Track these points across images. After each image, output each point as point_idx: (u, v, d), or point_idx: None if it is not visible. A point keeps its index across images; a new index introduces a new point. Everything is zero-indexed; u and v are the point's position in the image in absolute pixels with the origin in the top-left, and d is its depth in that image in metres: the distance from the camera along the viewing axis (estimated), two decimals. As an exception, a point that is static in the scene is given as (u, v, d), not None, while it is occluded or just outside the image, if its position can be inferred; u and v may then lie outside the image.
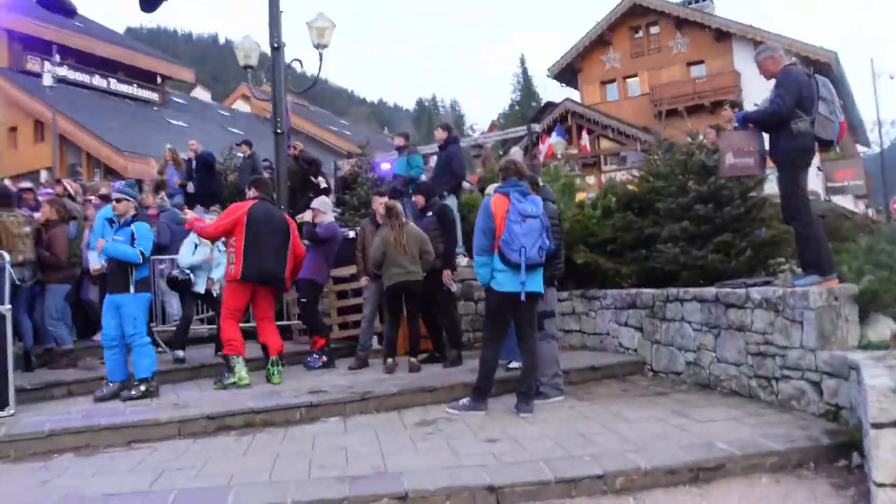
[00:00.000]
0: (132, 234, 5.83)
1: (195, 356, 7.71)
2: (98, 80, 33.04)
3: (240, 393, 6.12)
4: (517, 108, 65.51)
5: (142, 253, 5.85)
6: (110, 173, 24.91)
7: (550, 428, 4.86)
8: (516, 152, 13.47)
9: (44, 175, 26.37)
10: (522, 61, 74.62)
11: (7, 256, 5.90)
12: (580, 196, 9.73)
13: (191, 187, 11.50)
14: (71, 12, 9.05)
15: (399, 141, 10.22)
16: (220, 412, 5.31)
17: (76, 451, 4.83)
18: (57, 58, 23.55)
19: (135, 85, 35.10)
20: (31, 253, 6.67)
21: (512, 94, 71.69)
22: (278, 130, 9.66)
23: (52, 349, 7.13)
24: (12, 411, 5.41)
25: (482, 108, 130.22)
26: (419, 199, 7.46)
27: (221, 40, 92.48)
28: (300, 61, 12.24)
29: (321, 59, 12.14)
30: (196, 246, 7.38)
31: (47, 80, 21.19)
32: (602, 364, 6.82)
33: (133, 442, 4.99)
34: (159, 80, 37.12)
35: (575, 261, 7.89)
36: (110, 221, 6.14)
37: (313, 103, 66.07)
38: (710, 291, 5.99)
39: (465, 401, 5.43)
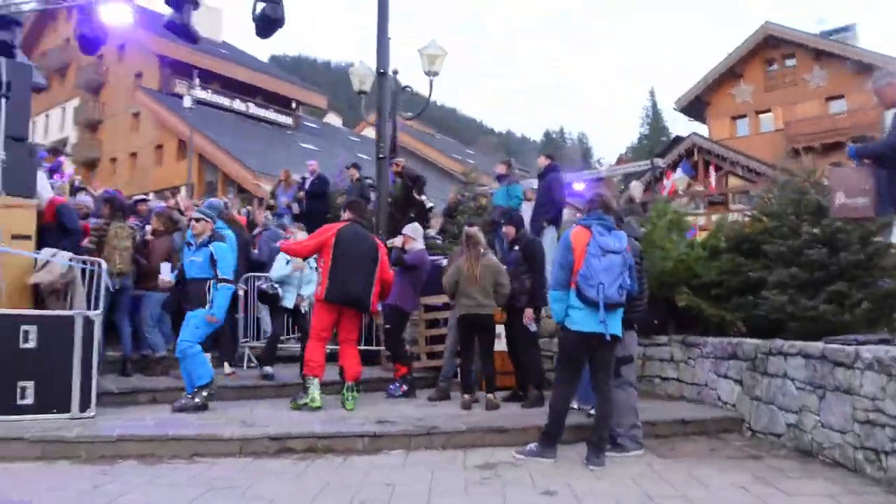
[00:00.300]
0: (211, 255, 5.97)
1: (284, 374, 7.80)
2: (238, 104, 35.36)
3: (311, 415, 6.10)
4: (645, 141, 63.83)
5: (225, 280, 6.00)
6: (242, 192, 26.42)
7: (618, 485, 4.44)
8: (636, 187, 12.93)
9: (182, 192, 28.50)
10: (652, 94, 72.69)
11: (104, 265, 6.22)
12: (701, 235, 9.12)
13: (295, 208, 11.85)
14: (194, 39, 9.60)
15: (500, 168, 10.04)
16: (281, 434, 5.28)
17: (141, 458, 4.94)
18: (197, 81, 25.30)
19: (271, 109, 37.24)
20: (126, 265, 7.04)
21: (640, 127, 70.01)
22: (380, 155, 9.74)
23: (148, 356, 7.44)
24: (93, 413, 5.64)
25: (610, 141, 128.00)
26: (509, 231, 7.22)
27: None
28: (411, 88, 12.46)
29: (431, 86, 12.33)
30: (288, 261, 7.51)
31: (187, 102, 22.78)
32: (694, 418, 6.24)
33: (196, 455, 5.04)
34: (294, 105, 39.23)
35: (676, 303, 7.39)
36: (187, 243, 6.33)
37: (441, 131, 67.66)
38: (816, 346, 5.33)
39: (532, 446, 5.10)
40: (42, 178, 7.65)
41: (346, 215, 6.74)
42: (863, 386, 4.73)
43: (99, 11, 9.69)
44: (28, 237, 6.59)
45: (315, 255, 6.82)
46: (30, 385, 5.43)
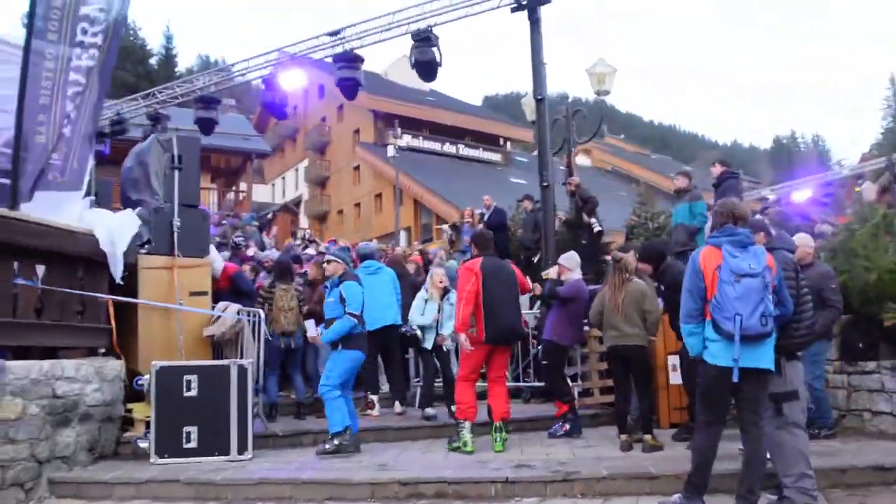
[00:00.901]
0: (340, 294, 6.05)
1: (445, 414, 7.67)
2: (448, 147, 36.85)
3: (455, 459, 5.87)
4: (892, 135, 55.38)
5: (352, 315, 6.02)
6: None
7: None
8: (868, 189, 11.23)
9: (402, 236, 30.19)
10: (893, 81, 62.65)
11: (262, 314, 6.61)
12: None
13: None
14: (283, 115, 10.33)
15: (679, 182, 9.03)
16: (410, 479, 5.10)
17: (279, 500, 5.06)
18: (399, 131, 26.84)
19: (480, 149, 38.26)
20: (292, 325, 7.42)
21: (882, 119, 60.95)
22: (544, 183, 9.36)
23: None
24: (250, 455, 5.93)
25: (852, 139, 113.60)
26: (644, 269, 6.20)
27: (570, 98, 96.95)
28: (581, 110, 12.01)
29: (601, 122, 11.82)
30: (426, 302, 7.42)
31: (390, 152, 24.18)
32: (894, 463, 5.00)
33: (330, 499, 5.05)
34: (502, 141, 39.98)
35: (884, 323, 6.13)
36: (324, 287, 6.49)
37: (660, 150, 64.96)
38: None
39: (676, 497, 4.37)
40: (213, 250, 8.42)
41: (474, 251, 6.49)
42: None
43: (279, 81, 10.68)
44: (205, 293, 7.23)
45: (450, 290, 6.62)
46: (193, 430, 5.86)
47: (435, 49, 9.58)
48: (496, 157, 38.46)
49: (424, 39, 9.62)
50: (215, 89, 11.72)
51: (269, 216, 26.20)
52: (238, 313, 7.01)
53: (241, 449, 5.93)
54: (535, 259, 11.22)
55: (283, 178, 44.81)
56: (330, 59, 10.57)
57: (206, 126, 11.35)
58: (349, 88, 10.29)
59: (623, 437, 5.99)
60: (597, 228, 10.38)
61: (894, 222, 7.32)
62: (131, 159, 7.29)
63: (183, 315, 6.90)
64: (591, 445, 6.32)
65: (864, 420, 6.44)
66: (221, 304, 7.20)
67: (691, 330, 4.30)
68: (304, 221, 41.40)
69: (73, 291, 5.84)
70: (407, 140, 34.56)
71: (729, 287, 4.03)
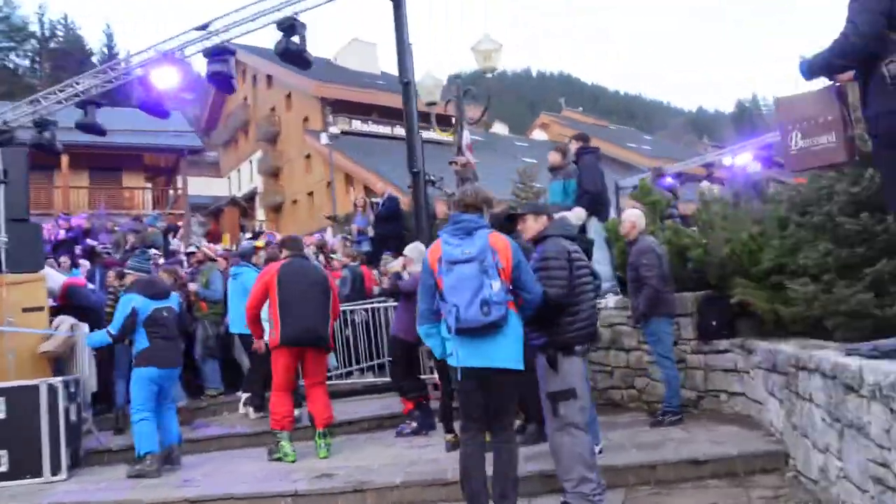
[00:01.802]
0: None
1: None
2: (398, 130, 36.39)
3: (275, 469, 5.70)
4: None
5: (109, 333, 5.95)
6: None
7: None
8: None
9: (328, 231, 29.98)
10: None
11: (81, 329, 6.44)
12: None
13: (370, 231, 11.67)
14: (163, 115, 9.94)
15: (553, 158, 8.60)
16: (200, 496, 4.98)
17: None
18: (330, 118, 26.65)
19: (431, 129, 37.79)
20: None
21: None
22: (414, 169, 9.16)
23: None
24: (63, 476, 5.81)
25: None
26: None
27: (534, 73, 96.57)
28: (472, 89, 11.91)
29: (488, 101, 11.66)
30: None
31: (324, 139, 23.97)
32: (713, 455, 4.83)
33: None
34: (454, 122, 39.54)
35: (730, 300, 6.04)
36: None
37: (625, 121, 64.71)
38: (828, 360, 3.86)
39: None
40: (48, 268, 8.14)
41: (283, 253, 6.35)
42: (871, 423, 3.29)
43: (152, 80, 10.36)
44: (40, 308, 7.00)
45: None
46: (3, 453, 5.68)
47: (298, 38, 9.30)
48: (447, 137, 38.05)
49: (289, 28, 9.35)
50: (97, 92, 11.36)
51: (199, 216, 25.93)
52: (72, 328, 6.81)
53: (55, 470, 5.76)
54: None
55: (238, 170, 44.26)
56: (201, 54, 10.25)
57: (93, 129, 11.08)
58: (222, 83, 9.97)
59: (448, 436, 5.80)
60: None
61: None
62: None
63: (17, 333, 6.69)
64: (431, 444, 6.17)
65: (720, 402, 6.31)
66: (57, 320, 6.99)
67: (426, 331, 4.09)
68: (260, 213, 40.99)
69: None
70: (356, 125, 34.19)
71: (445, 277, 3.80)
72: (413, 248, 7.11)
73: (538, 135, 50.24)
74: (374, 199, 12.44)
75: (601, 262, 7.69)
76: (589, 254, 5.35)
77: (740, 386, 6.15)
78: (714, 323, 6.45)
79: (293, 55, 9.41)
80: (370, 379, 8.85)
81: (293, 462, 5.86)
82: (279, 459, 5.95)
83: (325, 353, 6.33)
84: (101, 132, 11.28)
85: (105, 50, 55.33)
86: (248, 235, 32.11)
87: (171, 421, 6.04)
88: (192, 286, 8.58)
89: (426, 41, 69.54)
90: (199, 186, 43.71)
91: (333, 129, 24.99)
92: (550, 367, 4.25)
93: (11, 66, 52.08)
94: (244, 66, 41.05)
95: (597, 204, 7.82)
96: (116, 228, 12.51)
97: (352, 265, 10.12)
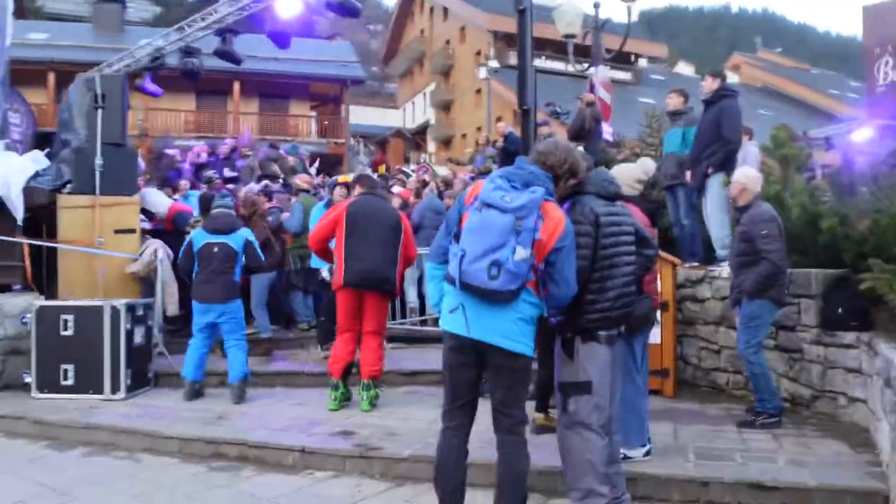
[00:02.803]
0: None
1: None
2: (570, 67, 34.81)
3: (317, 417, 5.48)
4: None
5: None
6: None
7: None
8: None
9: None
10: None
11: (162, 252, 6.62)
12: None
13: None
14: (285, 45, 9.82)
15: (674, 102, 7.40)
16: (217, 438, 4.92)
17: (102, 446, 5.12)
18: (491, 52, 25.81)
19: (608, 66, 35.80)
20: None
21: None
22: (524, 107, 8.33)
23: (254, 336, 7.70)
24: (122, 395, 6.02)
25: None
26: None
27: (734, 8, 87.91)
28: (611, 19, 10.68)
29: (629, 13, 10.46)
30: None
31: (482, 73, 23.30)
32: (784, 482, 3.84)
33: (146, 450, 4.98)
34: (633, 58, 37.09)
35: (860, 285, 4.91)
36: None
37: (835, 68, 56.85)
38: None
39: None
40: (155, 193, 8.47)
41: (356, 190, 5.97)
42: None
43: (275, 10, 10.38)
44: (131, 231, 7.33)
45: None
46: (70, 367, 6.02)
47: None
48: (626, 75, 35.77)
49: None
50: (234, 19, 11.64)
51: (369, 145, 26.52)
52: (155, 252, 7.06)
53: (114, 389, 6.02)
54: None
55: (413, 102, 44.94)
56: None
57: (230, 57, 11.47)
58: (342, 9, 9.76)
59: (538, 416, 4.99)
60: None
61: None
62: (64, 100, 7.44)
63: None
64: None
65: (837, 406, 5.17)
66: (145, 244, 7.29)
67: (431, 270, 3.47)
68: (430, 146, 41.51)
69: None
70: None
71: (470, 216, 3.13)
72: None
73: (729, 76, 45.77)
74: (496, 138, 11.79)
75: (721, 224, 6.63)
76: (654, 215, 4.50)
77: (862, 391, 4.98)
78: (840, 310, 5.25)
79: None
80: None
81: (333, 410, 5.68)
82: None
83: (388, 297, 5.97)
84: (237, 61, 11.64)
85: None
86: (412, 167, 32.82)
87: (234, 358, 6.05)
88: (283, 216, 8.59)
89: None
90: (374, 117, 45.20)
91: (493, 63, 24.15)
92: (565, 354, 3.56)
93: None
94: (422, -2, 41.16)
95: (730, 156, 6.69)
96: (248, 153, 12.93)
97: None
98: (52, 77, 24.13)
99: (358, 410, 5.66)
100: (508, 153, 10.95)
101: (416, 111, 44.43)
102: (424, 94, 42.30)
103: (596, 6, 11.29)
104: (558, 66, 34.56)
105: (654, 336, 6.05)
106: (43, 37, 26.83)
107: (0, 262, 6.56)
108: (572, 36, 11.49)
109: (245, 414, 5.65)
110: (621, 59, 36.22)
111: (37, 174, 6.68)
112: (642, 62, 38.05)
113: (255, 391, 6.44)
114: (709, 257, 6.90)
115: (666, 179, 7.34)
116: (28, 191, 6.44)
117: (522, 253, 3.00)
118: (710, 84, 6.95)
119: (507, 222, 3.01)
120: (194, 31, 12.20)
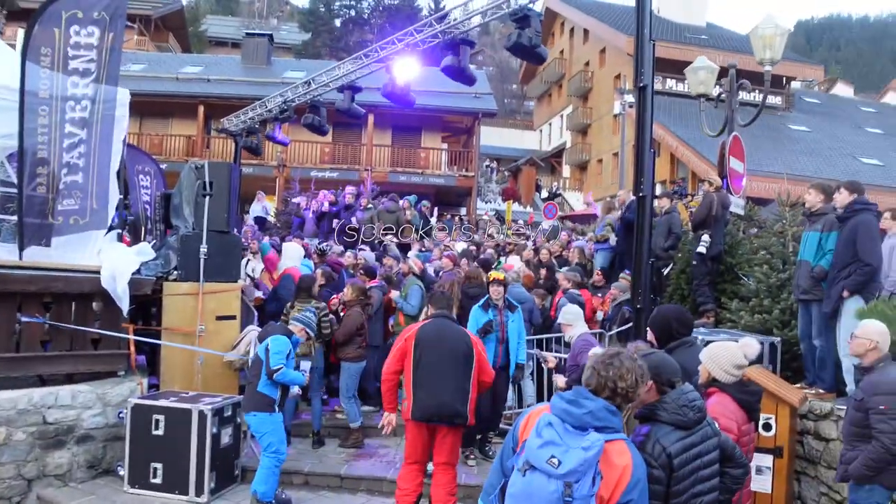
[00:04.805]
0: None
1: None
2: (715, 91, 32.80)
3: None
4: None
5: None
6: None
7: None
8: None
9: (658, 188, 27.89)
10: None
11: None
12: None
13: (612, 239, 10.38)
14: (407, 104, 9.70)
15: (812, 199, 6.32)
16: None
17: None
18: (626, 86, 24.76)
19: (756, 91, 33.39)
20: (307, 348, 6.92)
21: None
22: (640, 193, 7.58)
23: (343, 425, 7.61)
24: (205, 499, 6.07)
25: None
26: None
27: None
28: (746, 82, 9.63)
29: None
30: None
31: (616, 108, 22.34)
32: None
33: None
34: (784, 81, 34.37)
35: None
36: None
37: None
38: None
39: None
40: (297, 249, 8.62)
41: (429, 311, 5.70)
42: None
43: (393, 71, 10.36)
44: (232, 317, 7.46)
45: None
46: (159, 466, 6.16)
47: (530, 31, 8.34)
48: (775, 100, 33.19)
49: (522, 19, 8.47)
50: (355, 77, 11.80)
51: (503, 170, 26.11)
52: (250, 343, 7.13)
53: (198, 491, 6.08)
54: (666, 271, 9.45)
55: (550, 124, 44.22)
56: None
57: (351, 114, 11.79)
58: (456, 74, 9.51)
59: None
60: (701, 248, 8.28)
61: None
62: (176, 186, 7.72)
63: (207, 340, 7.22)
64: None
65: None
66: (244, 331, 7.39)
67: None
68: (566, 170, 40.63)
69: (68, 326, 6.48)
70: (670, 85, 31.64)
71: (513, 476, 2.74)
72: (570, 312, 6.07)
73: (891, 98, 41.31)
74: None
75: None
76: (754, 411, 3.88)
77: None
78: None
79: (524, 49, 8.56)
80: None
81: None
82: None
83: (461, 429, 5.62)
84: (357, 116, 11.94)
85: (432, 4, 59.02)
86: (544, 195, 32.17)
87: (259, 471, 6.05)
88: (394, 294, 8.53)
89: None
90: (510, 138, 44.99)
91: (628, 97, 23.02)
92: None
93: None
94: (562, 19, 40.42)
95: (870, 280, 5.79)
96: (370, 206, 12.99)
97: (572, 292, 8.94)
98: (201, 109, 25.95)
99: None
100: (629, 224, 10.20)
101: (552, 133, 43.70)
102: (562, 115, 41.48)
103: (731, 67, 10.34)
104: (741, 96, 32.65)
105: (765, 485, 5.36)
106: (196, 70, 28.96)
107: (106, 349, 6.84)
108: (705, 95, 10.60)
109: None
110: (771, 82, 33.68)
111: (144, 264, 6.92)
112: (795, 84, 35.12)
113: (337, 496, 6.33)
114: (838, 387, 6.02)
115: (797, 292, 6.49)
116: (133, 282, 6.66)
117: None
118: (844, 198, 6.03)
119: (554, 493, 2.57)
120: (320, 85, 12.58)
